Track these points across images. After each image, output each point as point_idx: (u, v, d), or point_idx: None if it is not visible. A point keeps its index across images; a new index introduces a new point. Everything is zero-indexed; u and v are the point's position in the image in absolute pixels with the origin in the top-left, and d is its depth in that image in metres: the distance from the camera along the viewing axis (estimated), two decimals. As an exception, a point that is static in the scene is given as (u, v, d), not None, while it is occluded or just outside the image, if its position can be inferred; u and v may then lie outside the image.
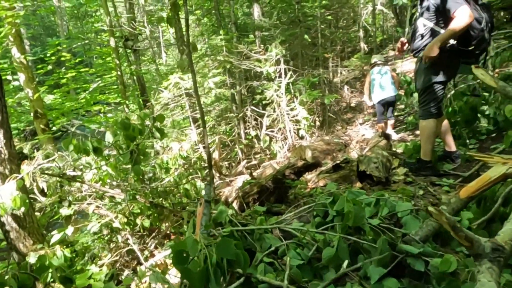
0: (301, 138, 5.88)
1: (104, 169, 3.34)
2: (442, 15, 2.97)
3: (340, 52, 13.89)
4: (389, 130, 5.79)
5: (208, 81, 5.05)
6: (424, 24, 3.11)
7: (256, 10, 10.42)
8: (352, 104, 8.64)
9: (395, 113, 6.38)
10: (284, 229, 2.50)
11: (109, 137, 2.92)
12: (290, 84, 5.62)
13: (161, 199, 3.80)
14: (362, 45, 12.42)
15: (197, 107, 5.60)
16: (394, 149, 4.48)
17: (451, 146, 3.56)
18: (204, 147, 2.85)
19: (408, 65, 8.68)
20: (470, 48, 2.93)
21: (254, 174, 5.18)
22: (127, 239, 2.89)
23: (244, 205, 3.63)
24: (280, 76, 5.52)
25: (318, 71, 7.24)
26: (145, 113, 2.89)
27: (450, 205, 2.01)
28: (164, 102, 5.05)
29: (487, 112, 4.09)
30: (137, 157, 2.65)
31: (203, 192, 3.23)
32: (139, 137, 2.93)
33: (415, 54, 3.25)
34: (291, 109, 5.65)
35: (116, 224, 2.88)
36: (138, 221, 3.30)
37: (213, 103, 11.26)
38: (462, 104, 4.53)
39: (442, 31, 2.97)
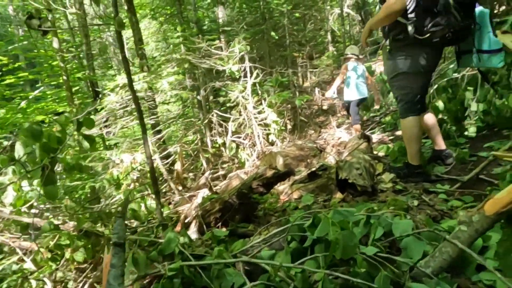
0: (271, 143, 5.32)
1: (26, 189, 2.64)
2: None
3: (309, 54, 13.58)
4: (358, 131, 5.43)
5: (162, 82, 4.41)
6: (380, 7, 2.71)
7: (221, 12, 9.89)
8: (324, 107, 8.20)
9: (371, 114, 5.95)
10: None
11: (19, 149, 2.23)
12: (257, 85, 5.06)
13: (102, 223, 3.10)
14: (331, 49, 12.10)
15: (141, 111, 4.91)
16: (375, 152, 3.99)
17: (440, 144, 3.13)
18: (148, 158, 2.20)
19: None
20: (426, 37, 2.50)
21: (219, 186, 4.55)
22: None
23: (204, 226, 3.00)
24: (245, 76, 4.95)
25: (287, 72, 6.73)
26: (66, 117, 2.22)
27: (472, 225, 1.48)
28: (111, 107, 4.37)
29: (473, 108, 3.67)
30: (51, 174, 1.97)
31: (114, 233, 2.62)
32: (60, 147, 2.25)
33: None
34: (259, 112, 5.09)
35: (28, 264, 2.17)
36: (68, 254, 2.61)
37: (176, 106, 10.55)
38: (445, 100, 4.11)
39: (400, 18, 2.57)
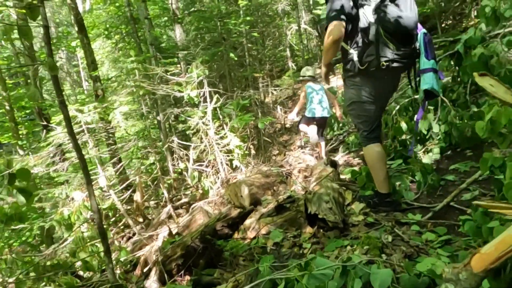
0: (235, 169, 5.11)
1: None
2: None
3: (270, 71, 13.59)
4: (323, 153, 5.35)
5: (115, 112, 4.11)
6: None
7: (178, 31, 9.66)
8: (287, 125, 8.12)
9: (335, 132, 5.90)
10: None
11: None
12: (218, 109, 4.86)
13: (48, 280, 2.76)
14: (290, 64, 12.18)
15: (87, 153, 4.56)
16: (342, 176, 3.89)
17: None
18: (95, 213, 1.93)
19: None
20: (364, 67, 2.52)
21: (182, 218, 4.28)
22: None
23: (166, 274, 2.72)
24: (205, 101, 4.74)
25: (248, 92, 6.59)
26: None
27: (460, 283, 1.34)
28: (57, 142, 3.99)
29: (435, 129, 3.66)
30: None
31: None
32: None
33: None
34: (221, 138, 4.87)
35: None
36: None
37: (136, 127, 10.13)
38: (407, 120, 4.10)
39: (343, 44, 2.59)
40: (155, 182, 5.63)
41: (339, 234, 2.65)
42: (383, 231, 2.51)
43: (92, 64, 8.59)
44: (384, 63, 2.45)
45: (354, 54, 2.54)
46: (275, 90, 7.95)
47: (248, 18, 6.85)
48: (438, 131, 3.56)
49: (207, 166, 4.82)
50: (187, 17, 9.01)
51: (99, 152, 4.28)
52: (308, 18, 15.96)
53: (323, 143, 5.20)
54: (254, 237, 3.09)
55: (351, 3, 2.48)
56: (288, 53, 12.66)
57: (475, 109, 3.91)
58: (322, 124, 5.18)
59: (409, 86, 2.97)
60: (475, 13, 11.71)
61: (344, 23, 2.43)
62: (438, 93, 2.69)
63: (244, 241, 3.09)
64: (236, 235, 3.15)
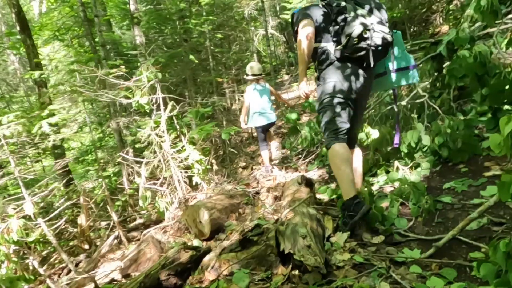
0: (195, 187, 4.46)
1: None
2: None
3: (236, 76, 13.04)
4: (274, 151, 4.96)
5: (41, 124, 3.36)
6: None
7: (137, 33, 8.89)
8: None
9: (305, 144, 5.36)
10: None
11: None
12: (175, 118, 4.20)
13: None
14: (258, 69, 11.66)
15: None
16: (318, 196, 3.34)
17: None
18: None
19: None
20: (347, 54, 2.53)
21: (128, 252, 3.57)
22: None
23: None
24: (158, 109, 4.07)
25: (212, 99, 5.96)
26: None
27: None
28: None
29: (425, 142, 3.18)
30: None
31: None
32: None
33: None
34: (178, 151, 4.21)
35: None
36: None
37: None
38: (389, 131, 3.63)
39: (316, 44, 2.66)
40: (102, 203, 4.87)
41: (320, 279, 2.07)
42: (376, 275, 1.96)
43: (37, 68, 7.66)
44: (364, 46, 2.43)
45: (328, 45, 2.59)
46: (242, 96, 7.35)
47: (211, 17, 6.24)
48: (429, 144, 3.09)
49: (162, 184, 4.14)
50: (145, 16, 8.27)
51: (24, 171, 3.49)
52: (275, 23, 15.58)
53: (275, 144, 5.10)
54: (214, 280, 2.46)
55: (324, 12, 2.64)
56: (255, 58, 12.17)
57: (462, 117, 3.50)
58: (268, 129, 5.03)
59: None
60: (441, 20, 11.75)
61: (313, 22, 2.59)
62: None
63: (202, 286, 2.45)
64: (191, 278, 2.50)
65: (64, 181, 6.66)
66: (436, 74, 4.24)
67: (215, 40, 7.33)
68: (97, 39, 6.55)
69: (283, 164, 5.14)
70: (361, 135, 3.43)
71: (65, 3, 10.78)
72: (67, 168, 7.33)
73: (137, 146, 4.85)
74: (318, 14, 2.65)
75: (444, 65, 4.09)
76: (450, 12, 11.06)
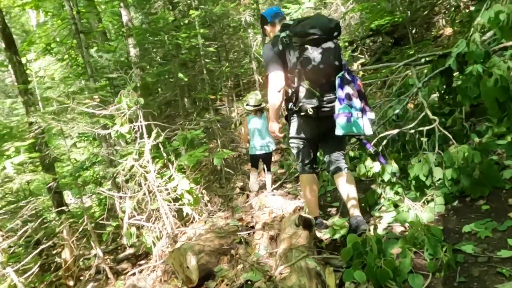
0: (186, 218, 4.10)
1: None
2: None
3: (235, 87, 12.70)
4: (269, 187, 4.68)
5: (5, 164, 3.02)
6: None
7: (131, 47, 8.58)
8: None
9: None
10: None
11: None
12: (161, 146, 3.85)
13: None
14: (256, 77, 11.31)
15: None
16: (318, 233, 2.96)
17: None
18: None
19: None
20: (296, 110, 2.80)
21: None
22: None
23: None
24: (141, 137, 3.72)
25: (209, 114, 5.61)
26: None
27: None
28: None
29: (438, 175, 2.77)
30: None
31: None
32: None
33: None
34: (166, 182, 3.86)
35: None
36: None
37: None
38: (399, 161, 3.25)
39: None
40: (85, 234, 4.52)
41: None
42: None
43: (24, 86, 7.33)
44: (311, 109, 2.66)
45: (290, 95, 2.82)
46: (240, 106, 6.88)
47: (202, 30, 5.89)
48: (441, 177, 2.70)
49: (148, 219, 3.78)
50: (135, 30, 7.95)
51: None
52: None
53: (269, 177, 4.77)
54: None
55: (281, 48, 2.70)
56: (254, 66, 11.82)
57: (477, 139, 3.12)
58: (267, 159, 4.82)
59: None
60: (443, 22, 11.36)
61: (282, 72, 2.72)
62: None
63: None
64: None
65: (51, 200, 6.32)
66: (444, 89, 3.88)
67: (208, 53, 6.97)
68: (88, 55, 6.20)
69: (281, 189, 4.78)
70: (361, 168, 3.08)
71: (55, 16, 10.50)
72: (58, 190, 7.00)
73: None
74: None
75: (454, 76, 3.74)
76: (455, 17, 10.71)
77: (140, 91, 7.76)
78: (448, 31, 10.62)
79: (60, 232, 4.49)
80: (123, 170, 3.55)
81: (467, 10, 9.16)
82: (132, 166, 3.61)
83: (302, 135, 2.91)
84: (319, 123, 2.81)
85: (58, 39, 10.51)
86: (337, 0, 13.36)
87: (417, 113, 3.70)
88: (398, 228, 2.76)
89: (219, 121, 5.79)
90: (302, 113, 2.71)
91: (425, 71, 4.28)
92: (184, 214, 4.07)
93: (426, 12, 11.03)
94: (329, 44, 2.57)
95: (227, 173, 5.76)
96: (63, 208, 5.99)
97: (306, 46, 2.56)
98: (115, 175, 4.14)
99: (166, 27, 5.49)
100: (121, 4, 9.62)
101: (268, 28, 3.01)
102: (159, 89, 6.66)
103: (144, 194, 3.70)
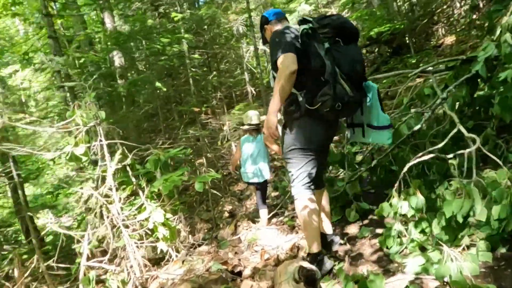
0: (160, 257, 3.39)
1: None
2: None
3: (227, 98, 12.10)
4: (264, 221, 3.95)
5: None
6: (273, 76, 2.55)
7: (116, 55, 7.94)
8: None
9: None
10: None
11: None
12: (129, 168, 3.16)
13: None
14: (249, 88, 10.70)
15: None
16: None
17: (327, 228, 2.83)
18: None
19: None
20: (316, 107, 2.35)
21: None
22: None
23: None
24: (103, 159, 3.02)
25: (194, 132, 4.93)
26: None
27: None
28: None
29: (480, 217, 2.11)
30: None
31: None
32: None
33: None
34: (135, 213, 3.16)
35: None
36: None
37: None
38: (423, 190, 2.59)
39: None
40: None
41: None
42: None
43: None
44: (340, 105, 2.30)
45: (298, 94, 2.43)
46: (231, 120, 6.19)
47: (186, 35, 5.26)
48: (485, 219, 2.03)
49: (111, 261, 3.07)
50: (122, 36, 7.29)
51: None
52: (266, 39, 14.67)
53: (264, 212, 4.01)
54: None
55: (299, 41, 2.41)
56: (246, 76, 11.23)
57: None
58: (262, 187, 4.11)
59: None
60: (443, 31, 10.90)
61: (295, 56, 2.34)
62: None
63: None
64: None
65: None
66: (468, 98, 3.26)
67: (196, 62, 6.33)
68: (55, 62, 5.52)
69: (275, 218, 4.08)
70: (385, 208, 2.44)
71: (33, 24, 9.88)
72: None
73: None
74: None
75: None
76: (455, 22, 10.27)
77: (121, 103, 7.10)
78: (449, 40, 10.16)
79: (10, 271, 3.75)
80: (78, 201, 2.84)
81: (474, 15, 8.66)
82: (89, 197, 2.91)
83: (311, 145, 2.48)
84: (332, 127, 2.59)
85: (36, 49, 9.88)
86: (332, 9, 12.92)
87: (440, 129, 3.07)
88: (430, 283, 2.09)
89: (206, 136, 5.10)
90: (326, 109, 2.31)
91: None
92: (158, 251, 3.35)
93: (425, 21, 10.58)
94: (355, 44, 2.50)
95: (214, 194, 5.06)
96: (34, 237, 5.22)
97: (338, 39, 2.41)
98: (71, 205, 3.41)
99: (143, 30, 4.85)
100: (105, 13, 9.06)
101: (269, 27, 2.74)
102: (140, 100, 5.98)
103: (107, 227, 2.98)
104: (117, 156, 3.00)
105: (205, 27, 9.20)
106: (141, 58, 6.92)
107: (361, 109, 2.61)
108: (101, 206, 2.97)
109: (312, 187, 2.54)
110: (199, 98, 5.58)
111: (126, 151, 3.12)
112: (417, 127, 2.90)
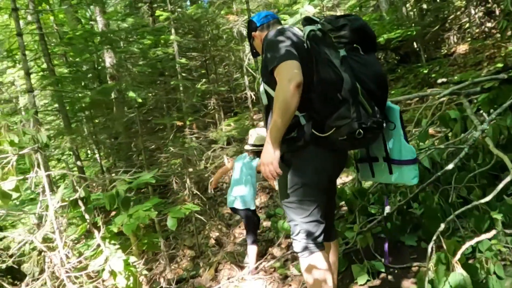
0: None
1: None
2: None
3: (226, 99, 11.52)
4: (251, 258, 3.34)
5: None
6: (265, 90, 1.95)
7: (107, 56, 7.33)
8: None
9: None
10: None
11: None
12: (81, 203, 2.51)
13: None
14: (249, 93, 10.08)
15: None
16: None
17: None
18: None
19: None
20: (328, 134, 1.76)
21: None
22: None
23: None
24: (43, 193, 2.38)
25: (174, 150, 4.28)
26: None
27: None
28: None
29: None
30: None
31: None
32: None
33: None
34: (88, 258, 2.52)
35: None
36: None
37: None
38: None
39: None
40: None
41: None
42: None
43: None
44: (361, 131, 1.68)
45: (301, 116, 1.82)
46: (217, 137, 5.50)
47: (172, 37, 4.61)
48: None
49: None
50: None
51: None
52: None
53: (252, 250, 3.37)
54: None
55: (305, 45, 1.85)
56: (246, 80, 10.62)
57: None
58: (247, 218, 3.49)
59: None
60: (455, 39, 10.29)
61: (300, 65, 1.75)
62: None
63: None
64: None
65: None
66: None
67: (186, 67, 5.68)
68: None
69: (264, 263, 3.40)
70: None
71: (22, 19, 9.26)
72: None
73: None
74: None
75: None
76: (468, 29, 9.65)
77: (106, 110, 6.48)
78: (462, 48, 9.56)
79: None
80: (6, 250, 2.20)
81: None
82: (25, 243, 2.26)
83: (319, 184, 1.91)
84: (343, 157, 2.03)
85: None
86: (337, 12, 12.30)
87: (475, 166, 2.42)
88: None
89: (188, 156, 4.43)
90: (341, 138, 1.74)
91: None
92: (118, 305, 2.70)
93: (436, 27, 9.97)
94: (374, 53, 1.93)
95: (197, 220, 4.41)
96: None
97: (356, 46, 1.83)
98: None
99: (124, 29, 4.22)
100: (97, 10, 8.45)
101: (258, 34, 2.15)
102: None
103: (47, 279, 2.34)
104: (60, 191, 2.36)
105: (203, 28, 8.60)
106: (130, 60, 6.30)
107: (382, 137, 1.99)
108: (40, 253, 2.33)
109: (322, 240, 1.94)
110: (185, 109, 4.91)
111: (75, 182, 2.47)
112: (449, 167, 2.23)
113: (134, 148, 5.06)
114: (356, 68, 1.78)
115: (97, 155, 7.95)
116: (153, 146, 4.71)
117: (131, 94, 3.70)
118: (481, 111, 2.80)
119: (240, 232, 4.45)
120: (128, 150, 5.12)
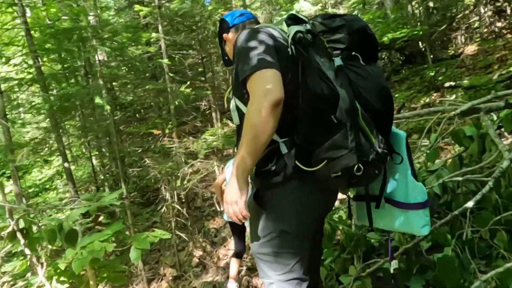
0: None
1: None
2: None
3: (221, 99, 11.13)
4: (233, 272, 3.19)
5: None
6: (237, 107, 1.49)
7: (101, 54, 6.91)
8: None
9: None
10: None
11: None
12: (20, 236, 2.08)
13: None
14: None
15: None
16: None
17: None
18: None
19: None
20: (317, 168, 1.33)
21: None
22: None
23: None
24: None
25: (151, 160, 3.83)
26: None
27: None
28: None
29: None
30: None
31: None
32: None
33: None
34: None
35: None
36: None
37: None
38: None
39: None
40: None
41: None
42: None
43: None
44: (361, 166, 1.27)
45: (281, 142, 1.40)
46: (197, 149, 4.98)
47: (155, 34, 4.17)
48: None
49: None
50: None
51: None
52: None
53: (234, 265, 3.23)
54: None
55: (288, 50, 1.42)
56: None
57: None
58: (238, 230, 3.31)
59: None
60: (463, 39, 9.86)
61: (280, 75, 1.32)
62: None
63: None
64: None
65: None
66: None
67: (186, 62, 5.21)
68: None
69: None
70: None
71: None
72: None
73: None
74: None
75: None
76: (477, 29, 9.19)
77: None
78: (470, 49, 9.10)
79: None
80: None
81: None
82: None
83: (303, 230, 1.47)
84: (333, 195, 1.62)
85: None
86: (340, 10, 11.81)
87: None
88: None
89: (166, 170, 3.97)
90: (334, 174, 1.32)
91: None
92: None
93: (443, 27, 9.51)
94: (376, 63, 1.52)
95: (180, 239, 3.99)
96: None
97: (356, 54, 1.43)
98: None
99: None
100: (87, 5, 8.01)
101: (230, 37, 1.71)
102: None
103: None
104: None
105: (197, 25, 8.17)
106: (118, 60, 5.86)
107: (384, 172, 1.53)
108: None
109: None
110: (166, 114, 4.44)
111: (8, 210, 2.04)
112: (469, 204, 1.77)
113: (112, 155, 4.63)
114: (356, 82, 1.38)
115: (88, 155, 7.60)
116: (133, 157, 4.28)
117: (98, 100, 3.24)
118: (503, 129, 2.36)
119: (224, 253, 4.03)
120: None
